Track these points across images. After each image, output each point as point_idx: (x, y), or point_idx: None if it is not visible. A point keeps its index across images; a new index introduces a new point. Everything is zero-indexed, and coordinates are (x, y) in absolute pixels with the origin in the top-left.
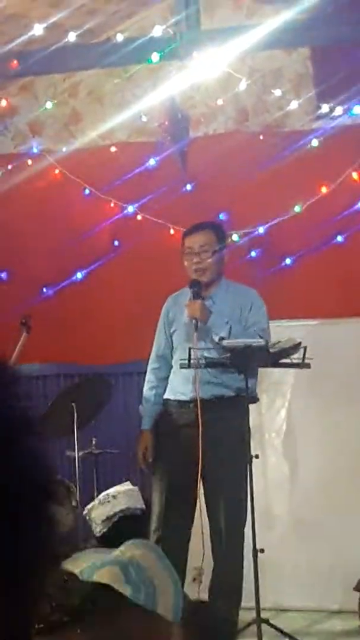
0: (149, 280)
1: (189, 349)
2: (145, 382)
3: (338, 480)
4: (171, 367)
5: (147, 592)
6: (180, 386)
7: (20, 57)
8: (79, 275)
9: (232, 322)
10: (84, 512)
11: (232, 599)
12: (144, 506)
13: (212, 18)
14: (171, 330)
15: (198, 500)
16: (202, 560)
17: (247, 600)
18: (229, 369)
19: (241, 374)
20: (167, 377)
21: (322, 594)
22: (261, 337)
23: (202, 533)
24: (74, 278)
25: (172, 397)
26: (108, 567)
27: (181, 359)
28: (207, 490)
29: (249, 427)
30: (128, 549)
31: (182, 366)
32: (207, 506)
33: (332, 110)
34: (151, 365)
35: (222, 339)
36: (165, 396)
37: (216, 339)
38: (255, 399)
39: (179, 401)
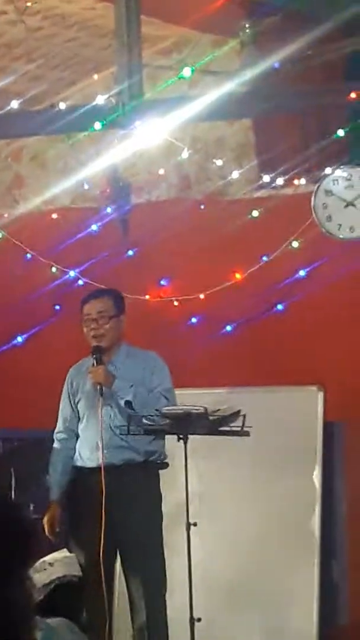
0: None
1: (129, 415)
2: (52, 452)
3: (276, 548)
4: (77, 436)
5: None
6: (88, 453)
7: None
8: (20, 339)
9: (136, 385)
10: None
11: None
12: (80, 573)
13: (155, 87)
14: (76, 400)
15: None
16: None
17: None
18: (137, 433)
19: (180, 440)
20: (72, 448)
21: None
22: (167, 398)
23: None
24: (14, 342)
25: (80, 464)
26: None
27: (121, 425)
28: (123, 560)
29: (160, 493)
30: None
31: (121, 432)
32: (125, 577)
33: (273, 180)
34: (57, 435)
35: (127, 402)
36: (76, 464)
37: (122, 402)
38: (165, 465)
39: (89, 468)
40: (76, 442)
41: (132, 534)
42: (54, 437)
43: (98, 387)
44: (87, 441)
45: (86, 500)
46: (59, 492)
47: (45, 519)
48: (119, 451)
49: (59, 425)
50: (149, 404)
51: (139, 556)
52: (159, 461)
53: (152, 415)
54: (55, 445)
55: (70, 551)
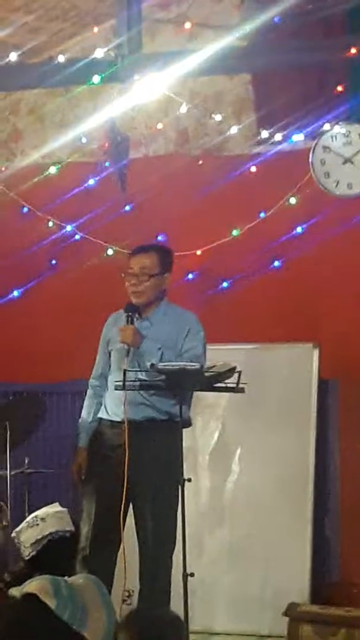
0: (85, 300)
1: (124, 370)
2: (86, 399)
3: (270, 504)
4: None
5: (74, 611)
6: (114, 407)
7: None
8: (16, 293)
9: (165, 348)
10: (13, 535)
11: None
12: (73, 528)
13: (154, 41)
14: (109, 350)
15: (125, 523)
16: (125, 581)
17: None
18: (161, 392)
19: (175, 397)
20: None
21: (252, 619)
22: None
23: (125, 555)
24: (10, 296)
25: (105, 417)
26: (39, 580)
27: (115, 381)
28: (136, 514)
29: (182, 453)
30: (75, 578)
31: (116, 388)
32: (136, 530)
33: (271, 136)
34: (92, 382)
35: (153, 365)
36: (100, 415)
37: (148, 365)
38: (188, 424)
39: (112, 421)
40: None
41: (146, 489)
42: (89, 384)
43: (125, 347)
44: (113, 396)
45: (105, 451)
46: (88, 438)
47: (73, 466)
48: (140, 408)
49: (94, 372)
50: None
51: (151, 512)
52: (180, 421)
53: (145, 371)
54: (89, 392)
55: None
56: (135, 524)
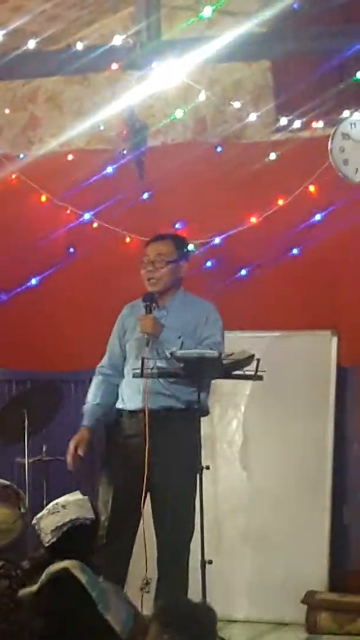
0: (103, 288)
1: (142, 358)
2: (92, 383)
3: (288, 492)
4: (121, 375)
5: (101, 591)
6: (131, 396)
7: None
8: (34, 281)
9: (185, 336)
10: (33, 522)
11: None
12: (93, 516)
13: (172, 28)
14: (125, 340)
15: (143, 512)
16: (146, 570)
17: None
18: (180, 381)
19: (194, 385)
20: (115, 384)
21: (271, 606)
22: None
23: (145, 543)
24: (28, 284)
25: (123, 407)
26: (66, 561)
27: (134, 369)
28: (154, 502)
29: (200, 441)
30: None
31: (134, 375)
32: (153, 518)
33: (290, 123)
34: (100, 369)
35: (172, 353)
36: (118, 406)
37: (168, 353)
38: (206, 412)
39: (130, 411)
40: (118, 379)
41: (164, 478)
42: (97, 370)
43: (145, 336)
44: (131, 385)
45: (124, 440)
46: (92, 419)
47: (70, 442)
48: (158, 397)
49: (104, 360)
50: None
51: (169, 501)
52: (199, 410)
53: (164, 358)
54: (97, 377)
55: (98, 490)
56: (153, 512)
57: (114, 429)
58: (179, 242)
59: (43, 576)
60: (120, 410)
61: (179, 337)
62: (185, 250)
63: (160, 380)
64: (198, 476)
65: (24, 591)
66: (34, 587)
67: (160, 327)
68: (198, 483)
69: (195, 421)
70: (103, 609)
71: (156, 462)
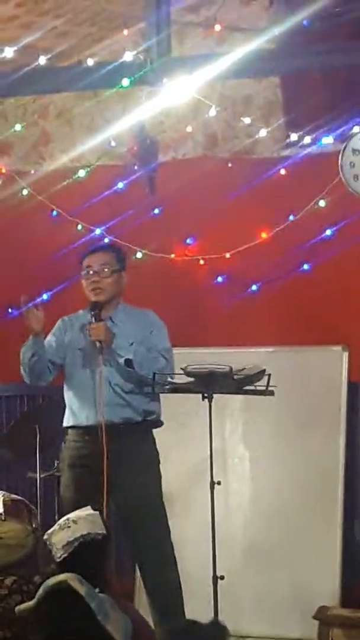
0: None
1: (153, 374)
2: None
3: (299, 507)
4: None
5: (100, 603)
6: (82, 410)
7: None
8: (45, 296)
9: (137, 343)
10: (45, 537)
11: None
12: (105, 531)
13: (183, 45)
14: (62, 352)
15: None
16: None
17: None
18: (135, 390)
19: (204, 399)
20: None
21: (282, 622)
22: (165, 358)
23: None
24: (39, 299)
25: (75, 424)
26: (65, 574)
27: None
28: (125, 524)
29: (157, 453)
30: None
31: (146, 390)
32: (129, 539)
33: (300, 139)
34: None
35: (127, 360)
36: (67, 423)
37: (121, 361)
38: (160, 423)
39: (85, 427)
40: (45, 365)
41: (132, 494)
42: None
43: (98, 344)
44: (82, 399)
45: (83, 460)
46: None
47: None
48: (118, 409)
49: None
50: (147, 363)
51: (142, 517)
52: (155, 420)
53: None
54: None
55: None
56: (126, 531)
57: (67, 452)
58: (119, 253)
59: (40, 590)
60: (70, 429)
61: (131, 344)
62: (124, 260)
63: (116, 388)
64: (210, 492)
65: (21, 607)
66: (32, 602)
67: (112, 334)
68: (210, 499)
69: (151, 432)
70: (103, 619)
71: (121, 478)
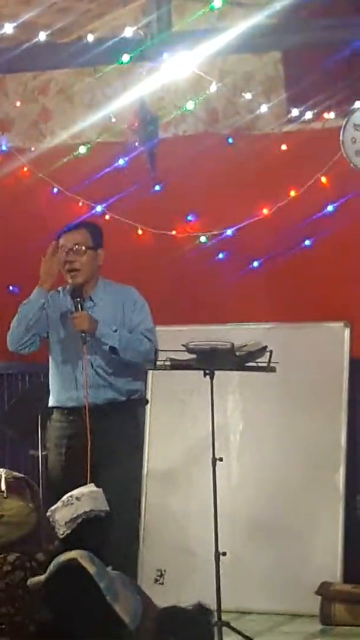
0: (115, 280)
1: (155, 349)
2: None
3: (301, 484)
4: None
5: (109, 583)
6: (65, 391)
7: None
8: None
9: (120, 327)
10: (48, 514)
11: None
12: (107, 508)
13: (183, 20)
14: (48, 327)
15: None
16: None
17: (209, 603)
18: (117, 370)
19: (206, 376)
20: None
21: (284, 597)
22: (149, 339)
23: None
24: None
25: (57, 405)
26: (75, 551)
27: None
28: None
29: (142, 432)
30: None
31: (148, 368)
32: None
33: (302, 114)
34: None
35: (112, 348)
36: (50, 404)
37: (106, 348)
38: (146, 402)
39: (68, 408)
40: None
41: (113, 472)
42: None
43: (82, 335)
44: (65, 380)
45: (67, 440)
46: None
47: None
48: (101, 390)
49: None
50: (132, 346)
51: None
52: (139, 399)
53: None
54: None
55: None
56: None
57: (50, 432)
58: (94, 230)
59: (51, 566)
60: (54, 409)
61: (115, 331)
62: (101, 237)
63: (99, 370)
64: (212, 468)
65: (33, 580)
66: (43, 577)
67: (95, 322)
68: (212, 475)
69: (136, 411)
70: (111, 600)
71: (104, 457)
